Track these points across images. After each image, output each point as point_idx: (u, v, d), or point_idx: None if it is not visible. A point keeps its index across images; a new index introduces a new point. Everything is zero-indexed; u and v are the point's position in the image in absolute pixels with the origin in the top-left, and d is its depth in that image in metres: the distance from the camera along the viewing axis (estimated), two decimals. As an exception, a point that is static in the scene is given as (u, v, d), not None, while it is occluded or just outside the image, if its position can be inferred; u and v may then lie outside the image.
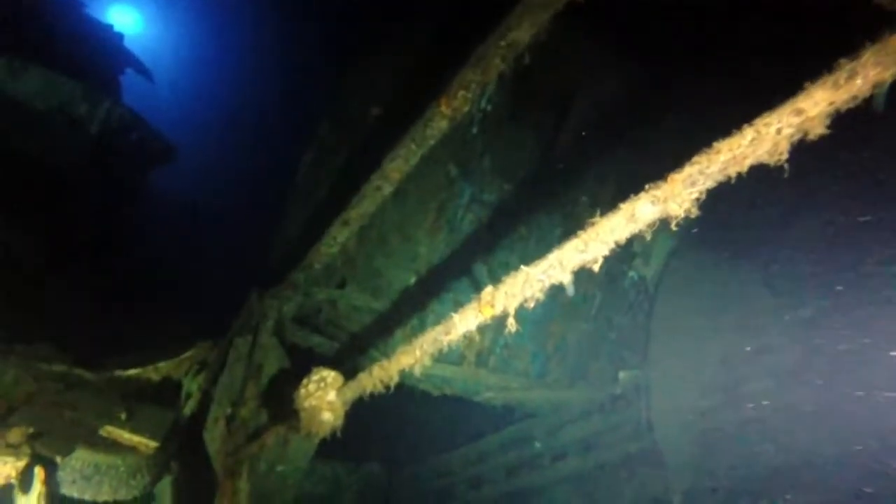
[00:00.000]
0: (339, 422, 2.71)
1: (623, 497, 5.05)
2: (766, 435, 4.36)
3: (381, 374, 2.46)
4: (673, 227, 1.47)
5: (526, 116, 5.24)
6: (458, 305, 4.54)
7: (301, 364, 4.62)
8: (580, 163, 5.27)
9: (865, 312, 4.25)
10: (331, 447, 4.33)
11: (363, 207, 3.41)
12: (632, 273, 5.41)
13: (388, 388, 2.48)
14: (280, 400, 4.21)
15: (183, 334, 6.68)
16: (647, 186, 1.52)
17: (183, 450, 5.57)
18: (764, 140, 1.29)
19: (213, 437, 4.75)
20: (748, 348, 4.66)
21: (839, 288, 4.53)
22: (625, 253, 5.40)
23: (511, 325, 1.89)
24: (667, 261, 5.23)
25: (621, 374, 5.29)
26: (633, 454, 5.06)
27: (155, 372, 5.49)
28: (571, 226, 5.25)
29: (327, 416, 2.69)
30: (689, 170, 1.40)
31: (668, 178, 1.44)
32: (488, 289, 1.94)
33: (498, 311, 1.91)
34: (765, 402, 4.39)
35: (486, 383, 5.16)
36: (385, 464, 7.84)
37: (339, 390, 2.69)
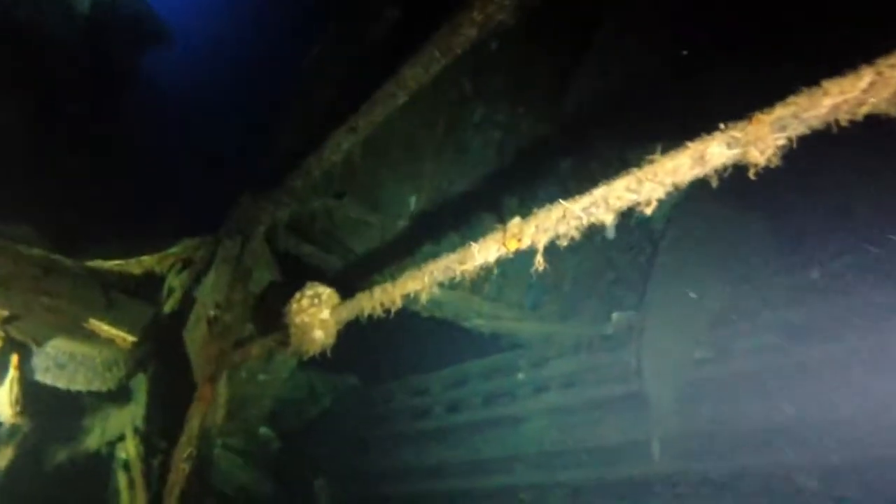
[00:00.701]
0: (331, 341, 2.56)
1: (602, 437, 5.03)
2: (755, 392, 4.29)
3: (382, 297, 2.29)
4: (751, 175, 1.27)
5: (548, 40, 4.94)
6: (462, 230, 4.37)
7: (292, 274, 4.47)
8: (596, 103, 5.01)
9: (873, 276, 4.13)
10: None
11: (373, 115, 3.17)
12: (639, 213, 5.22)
13: (388, 312, 2.32)
14: (267, 309, 4.07)
15: (168, 229, 6.48)
16: (722, 125, 1.32)
17: (161, 347, 5.47)
18: (889, 84, 1.07)
19: (194, 337, 4.63)
20: (748, 303, 4.55)
21: (849, 251, 4.40)
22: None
23: (539, 262, 1.72)
24: (677, 204, 5.05)
25: (615, 315, 5.19)
26: (617, 396, 5.01)
27: (138, 265, 5.31)
28: (579, 161, 5.03)
29: (318, 334, 2.55)
30: (781, 111, 1.19)
31: (753, 119, 1.23)
32: (516, 220, 1.76)
33: (525, 245, 1.73)
34: (759, 359, 4.31)
35: (478, 310, 5.04)
36: (362, 378, 7.83)
37: (334, 309, 2.53)
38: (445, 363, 6.64)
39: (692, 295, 4.69)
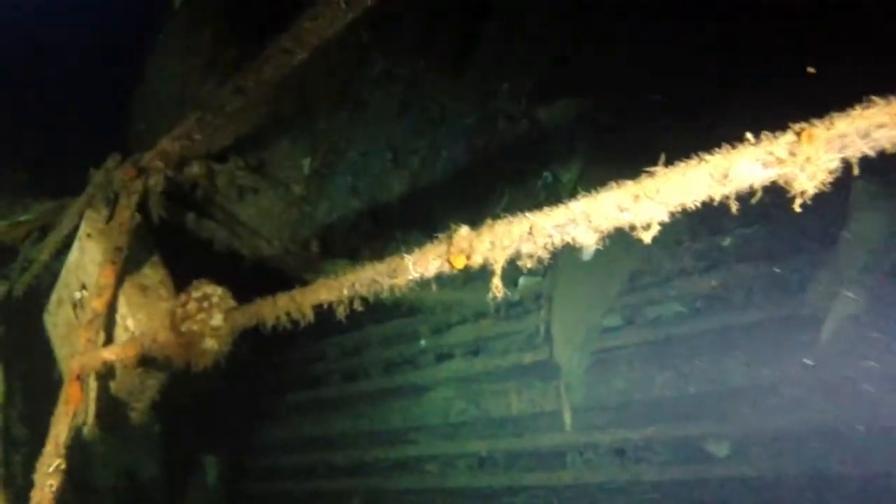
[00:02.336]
0: (225, 349, 2.17)
1: (510, 407, 4.88)
2: (666, 360, 4.24)
3: (289, 306, 1.92)
4: (796, 206, 0.99)
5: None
6: (363, 194, 3.98)
7: (171, 248, 3.94)
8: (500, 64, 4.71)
9: (782, 243, 4.11)
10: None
11: (264, 74, 2.71)
12: (546, 173, 5.00)
13: (296, 324, 1.95)
14: (145, 294, 3.56)
15: (17, 190, 5.68)
16: (749, 136, 1.03)
17: (17, 330, 4.81)
18: None
19: (56, 321, 4.04)
20: (659, 269, 4.46)
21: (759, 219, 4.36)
22: (541, 152, 4.97)
23: (497, 287, 1.41)
24: (586, 165, 4.86)
25: (521, 280, 5.00)
26: (525, 365, 4.85)
27: (-20, 237, 4.58)
28: (485, 118, 4.73)
29: (210, 344, 2.14)
30: (844, 126, 0.91)
31: (803, 133, 0.94)
32: (464, 231, 1.43)
33: (475, 263, 1.41)
34: (669, 327, 4.24)
35: (378, 279, 4.69)
36: (252, 347, 7.36)
37: (228, 314, 2.13)
38: (341, 329, 6.30)
39: (602, 260, 4.55)
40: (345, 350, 6.29)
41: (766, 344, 3.87)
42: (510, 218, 1.37)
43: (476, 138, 4.70)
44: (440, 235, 1.51)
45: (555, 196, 5.03)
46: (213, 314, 2.12)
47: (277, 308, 1.96)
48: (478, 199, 4.94)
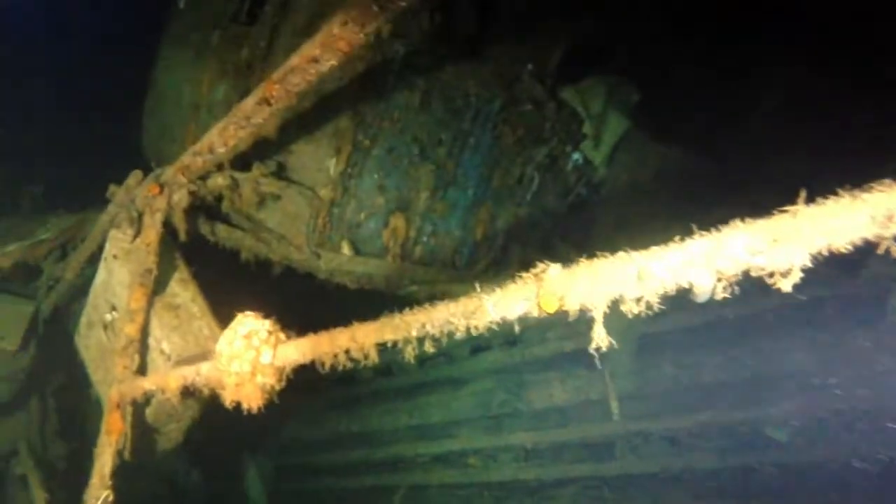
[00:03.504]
0: (279, 387, 2.04)
1: (553, 397, 4.76)
2: (717, 345, 4.10)
3: (349, 343, 1.78)
4: None
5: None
6: (393, 190, 3.83)
7: (199, 261, 3.81)
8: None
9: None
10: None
11: (291, 83, 2.55)
12: (576, 156, 4.83)
13: (356, 362, 1.82)
14: (177, 314, 3.44)
15: (33, 206, 5.58)
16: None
17: (49, 351, 4.72)
18: None
19: (88, 344, 3.94)
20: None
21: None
22: (572, 133, 4.78)
23: (600, 339, 1.27)
24: (618, 145, 4.68)
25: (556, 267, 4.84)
26: (567, 353, 4.72)
27: (3, 257, 4.47)
28: (510, 101, 4.54)
29: (262, 382, 2.01)
30: None
31: None
32: (556, 271, 1.28)
33: (570, 308, 1.26)
34: (721, 310, 4.09)
35: (410, 276, 4.56)
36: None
37: (279, 350, 1.99)
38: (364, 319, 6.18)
39: (640, 240, 4.38)
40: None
41: (827, 324, 3.72)
42: (613, 258, 1.22)
43: (502, 124, 4.53)
44: (526, 275, 1.36)
45: (586, 178, 4.87)
46: (262, 351, 1.99)
47: (335, 345, 1.82)
48: (507, 186, 4.78)
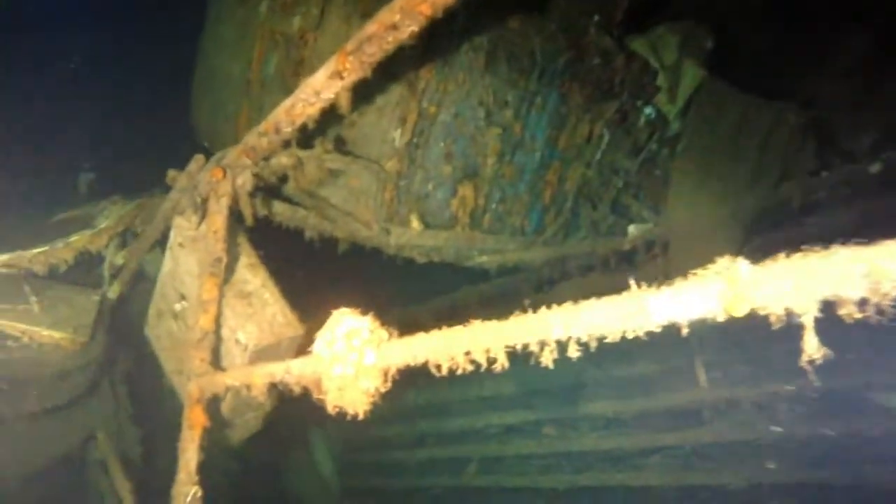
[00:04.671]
0: (384, 390, 1.88)
1: (635, 366, 4.56)
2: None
3: (470, 344, 1.60)
4: None
5: None
6: (462, 158, 3.63)
7: (263, 245, 3.68)
8: None
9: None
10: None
11: (366, 53, 2.34)
12: (648, 110, 4.54)
13: (477, 366, 1.64)
14: (249, 303, 3.31)
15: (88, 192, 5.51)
16: None
17: (119, 339, 4.68)
18: None
19: (159, 334, 3.86)
20: (791, 205, 4.01)
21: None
22: (643, 86, 4.49)
23: (813, 348, 1.06)
24: (693, 96, 4.38)
25: (631, 228, 4.61)
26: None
27: (67, 249, 4.40)
28: (576, 57, 4.25)
29: (364, 386, 1.85)
30: None
31: None
32: (746, 267, 1.07)
33: (770, 311, 1.06)
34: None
35: (479, 246, 4.37)
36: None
37: (382, 349, 1.83)
38: (436, 291, 6.04)
39: (724, 200, 4.12)
40: (439, 314, 6.04)
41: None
42: (826, 252, 1.01)
43: (569, 81, 4.26)
44: (705, 270, 1.16)
45: (659, 133, 4.59)
46: (365, 352, 1.83)
47: (453, 345, 1.65)
48: (575, 146, 4.53)
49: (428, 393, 6.06)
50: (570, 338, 1.40)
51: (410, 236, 3.90)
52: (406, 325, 5.64)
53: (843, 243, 1.02)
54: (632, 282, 1.32)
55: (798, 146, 3.95)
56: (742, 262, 1.11)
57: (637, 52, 4.40)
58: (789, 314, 1.06)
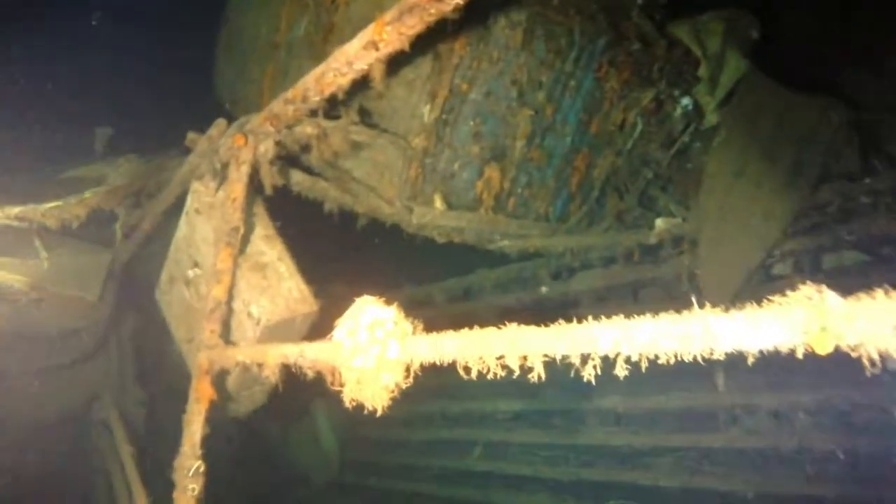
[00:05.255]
0: (405, 385, 1.78)
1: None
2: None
3: (505, 348, 1.49)
4: None
5: None
6: (490, 139, 3.51)
7: (281, 215, 3.57)
8: None
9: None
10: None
11: (405, 25, 2.21)
12: (685, 101, 4.37)
13: (510, 371, 1.53)
14: (265, 275, 3.21)
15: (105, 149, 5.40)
16: None
17: (129, 300, 4.60)
18: None
19: (170, 300, 3.78)
20: (832, 208, 3.86)
21: None
22: (682, 75, 4.32)
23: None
24: (736, 89, 4.21)
25: (659, 222, 4.47)
26: (666, 315, 4.38)
27: (80, 205, 4.30)
28: (617, 42, 4.08)
29: (387, 380, 1.75)
30: None
31: None
32: (835, 300, 0.95)
33: (861, 351, 0.94)
34: (848, 279, 3.68)
35: (502, 230, 4.25)
36: (350, 286, 7.09)
37: (406, 343, 1.72)
38: (449, 271, 5.93)
39: (760, 196, 3.97)
40: (453, 295, 5.94)
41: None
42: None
43: (607, 65, 4.10)
44: (786, 298, 1.03)
45: (694, 125, 4.42)
46: (388, 345, 1.72)
47: (484, 347, 1.54)
48: (607, 133, 4.38)
49: (434, 375, 5.96)
50: (618, 354, 1.28)
51: (433, 216, 3.78)
52: (418, 304, 5.59)
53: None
54: (693, 300, 1.20)
55: (840, 148, 3.79)
56: (830, 293, 0.98)
57: (679, 38, 4.23)
58: (885, 357, 0.94)
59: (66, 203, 4.28)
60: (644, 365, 1.26)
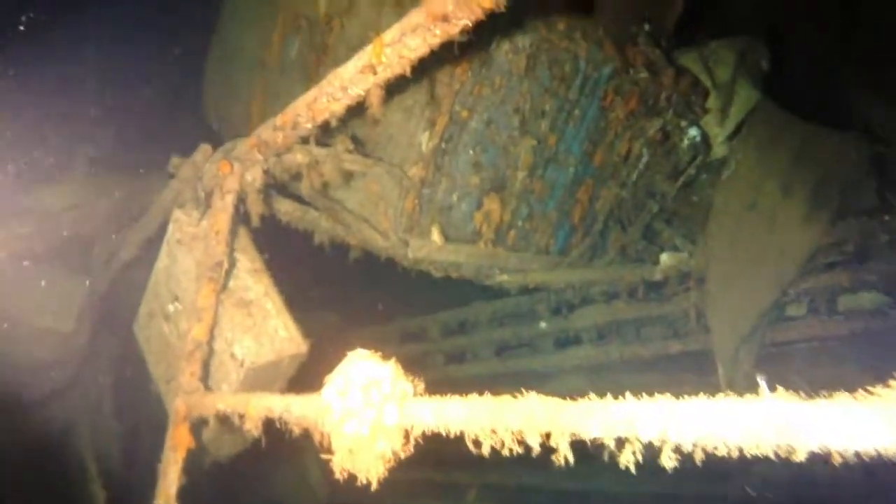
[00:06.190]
0: (404, 454, 1.56)
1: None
2: (862, 360, 3.51)
3: (522, 422, 1.28)
4: None
5: None
6: (491, 167, 3.32)
7: (268, 247, 3.36)
8: None
9: None
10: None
11: (407, 48, 2.02)
12: (693, 132, 4.21)
13: (527, 448, 1.31)
14: (249, 312, 2.99)
15: (92, 170, 5.18)
16: None
17: (101, 329, 4.36)
18: None
19: (148, 335, 3.54)
20: (849, 245, 3.68)
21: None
22: (690, 105, 4.16)
23: None
24: (748, 120, 4.05)
25: (664, 257, 4.28)
26: (672, 355, 4.19)
27: (55, 230, 4.08)
28: (623, 70, 3.92)
29: (380, 449, 1.53)
30: None
31: None
32: None
33: None
34: (867, 321, 3.50)
35: (501, 264, 4.05)
36: (342, 317, 6.86)
37: (406, 407, 1.50)
38: (443, 304, 5.71)
39: (773, 233, 3.79)
40: (448, 329, 5.72)
41: None
42: None
43: (612, 93, 3.93)
44: (885, 389, 0.82)
45: (702, 157, 4.25)
46: (384, 410, 1.51)
47: (498, 418, 1.32)
48: (612, 164, 4.20)
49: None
50: (664, 442, 1.07)
51: (430, 250, 3.57)
52: (411, 337, 5.31)
53: None
54: (762, 382, 1.00)
55: (859, 182, 3.62)
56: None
57: (687, 67, 4.07)
58: None
59: (44, 224, 4.06)
60: (699, 458, 1.06)
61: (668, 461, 1.07)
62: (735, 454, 1.00)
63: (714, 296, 3.91)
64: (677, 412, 1.06)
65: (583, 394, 3.74)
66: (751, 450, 0.97)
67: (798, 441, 0.91)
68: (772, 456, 0.95)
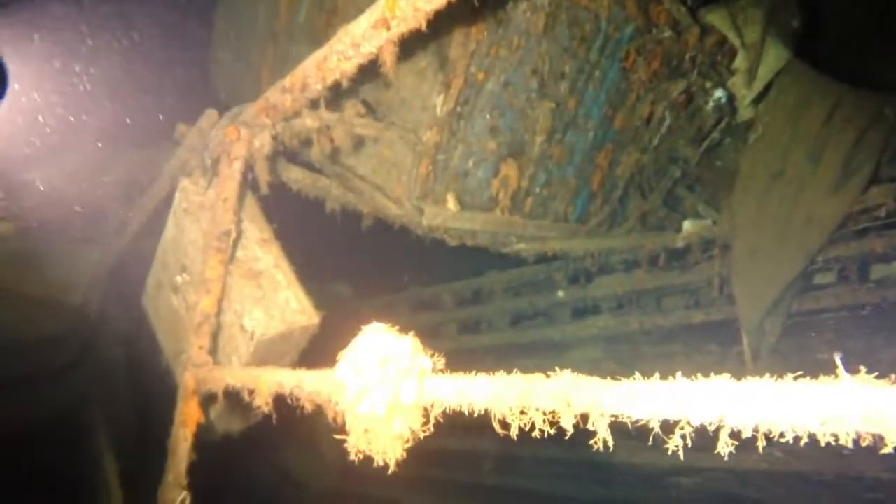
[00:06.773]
0: (423, 433, 1.46)
1: (676, 375, 4.12)
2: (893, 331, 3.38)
3: (553, 400, 1.17)
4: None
5: None
6: (508, 133, 3.17)
7: (288, 217, 3.25)
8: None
9: None
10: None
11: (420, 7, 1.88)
12: (718, 93, 4.04)
13: (555, 425, 1.21)
14: (259, 283, 2.88)
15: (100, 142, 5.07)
16: None
17: (113, 307, 4.28)
18: None
19: (157, 306, 3.45)
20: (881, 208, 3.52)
21: None
22: (716, 65, 3.98)
23: None
24: (776, 81, 3.87)
25: (686, 224, 4.14)
26: (694, 325, 4.07)
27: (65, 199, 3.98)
28: (645, 30, 3.74)
29: (398, 428, 1.42)
30: None
31: None
32: None
33: None
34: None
35: (518, 232, 3.92)
36: (355, 287, 6.78)
37: (425, 384, 1.40)
38: (457, 274, 5.60)
39: (801, 200, 3.63)
40: (462, 298, 5.62)
41: None
42: None
43: (634, 54, 3.76)
44: None
45: (727, 120, 4.08)
46: (401, 387, 1.40)
47: (527, 396, 1.21)
48: (633, 128, 4.04)
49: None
50: (722, 424, 0.96)
51: (445, 217, 3.45)
52: (424, 306, 5.18)
53: None
54: (838, 360, 0.88)
55: (895, 147, 3.45)
56: None
57: (713, 25, 3.89)
58: None
59: (48, 200, 3.97)
60: (761, 442, 0.94)
61: (725, 448, 0.96)
62: (805, 439, 0.89)
63: (740, 264, 3.78)
64: (737, 393, 0.94)
65: (601, 364, 3.64)
66: (826, 434, 0.86)
67: (887, 426, 0.79)
68: (850, 444, 0.84)
